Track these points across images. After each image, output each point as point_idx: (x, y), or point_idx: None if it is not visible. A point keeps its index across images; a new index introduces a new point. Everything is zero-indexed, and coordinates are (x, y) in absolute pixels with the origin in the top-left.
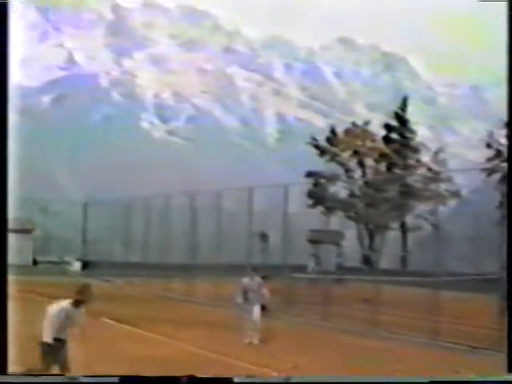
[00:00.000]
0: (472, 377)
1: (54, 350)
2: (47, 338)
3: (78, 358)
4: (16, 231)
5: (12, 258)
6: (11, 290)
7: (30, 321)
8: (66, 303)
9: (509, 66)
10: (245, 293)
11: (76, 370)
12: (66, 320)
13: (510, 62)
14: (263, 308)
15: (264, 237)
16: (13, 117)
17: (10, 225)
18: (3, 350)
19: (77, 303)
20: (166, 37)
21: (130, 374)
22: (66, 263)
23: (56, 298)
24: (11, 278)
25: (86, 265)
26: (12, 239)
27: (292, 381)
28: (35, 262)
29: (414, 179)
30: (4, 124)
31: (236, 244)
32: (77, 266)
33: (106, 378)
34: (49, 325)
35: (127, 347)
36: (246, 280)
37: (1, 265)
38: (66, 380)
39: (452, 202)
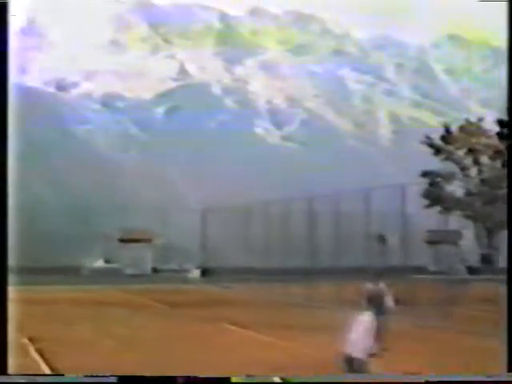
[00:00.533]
0: (471, 376)
1: (359, 366)
2: (359, 352)
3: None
4: (136, 241)
5: (134, 267)
6: (131, 297)
7: (145, 326)
8: (369, 313)
9: (509, 65)
10: (368, 299)
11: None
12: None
13: (510, 61)
14: (385, 315)
15: (382, 239)
16: (132, 130)
17: (130, 235)
18: (3, 350)
19: (377, 312)
20: (275, 42)
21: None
22: (186, 271)
23: (175, 304)
24: (131, 287)
25: (205, 272)
26: (132, 249)
27: (292, 381)
28: (155, 271)
29: None
30: (4, 123)
31: (355, 246)
32: (196, 273)
33: (104, 378)
34: (365, 338)
35: (250, 352)
36: (369, 286)
37: (1, 266)
38: (65, 380)
39: None
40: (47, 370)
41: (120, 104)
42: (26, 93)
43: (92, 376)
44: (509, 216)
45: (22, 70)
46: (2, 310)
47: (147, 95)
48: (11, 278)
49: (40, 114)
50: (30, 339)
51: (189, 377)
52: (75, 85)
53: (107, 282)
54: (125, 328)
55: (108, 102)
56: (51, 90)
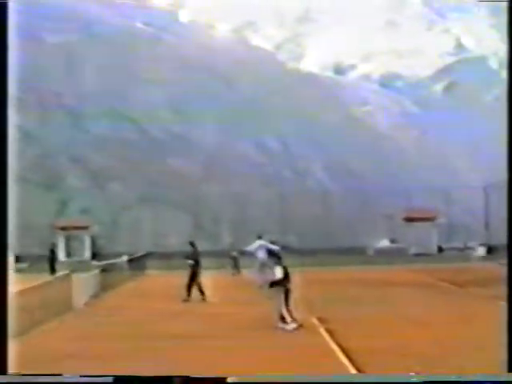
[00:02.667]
0: (471, 376)
1: None
2: None
3: None
4: (420, 220)
5: (418, 246)
6: (417, 276)
7: (435, 306)
8: None
9: (509, 65)
10: None
11: None
12: None
13: (510, 61)
14: None
15: None
16: (411, 109)
17: (414, 214)
18: (3, 349)
19: None
20: None
21: None
22: (470, 249)
23: (462, 283)
24: (417, 267)
25: (490, 249)
26: (417, 228)
27: (292, 381)
28: (440, 249)
29: None
30: (4, 121)
31: None
32: (481, 251)
33: (100, 377)
34: None
35: None
36: None
37: (1, 263)
38: (64, 380)
39: None
40: (337, 350)
41: (398, 83)
42: (304, 78)
43: (87, 376)
44: (509, 215)
45: (300, 57)
46: (2, 309)
47: (425, 73)
48: (299, 259)
49: (319, 99)
50: (320, 319)
51: (185, 377)
52: (353, 67)
53: (393, 261)
54: (414, 308)
55: (386, 81)
56: (329, 73)
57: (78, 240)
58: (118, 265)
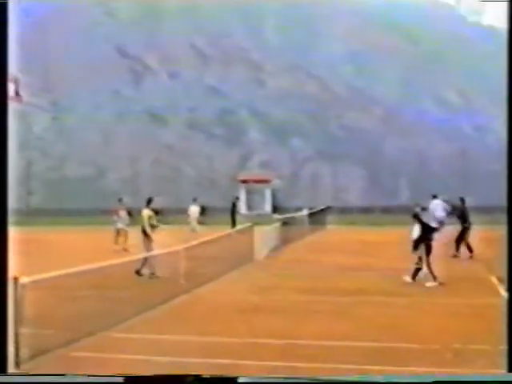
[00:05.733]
0: (471, 376)
1: None
2: None
3: None
4: None
5: None
6: None
7: None
8: None
9: (509, 67)
10: None
11: None
12: None
13: (510, 62)
14: None
15: None
16: None
17: None
18: (3, 349)
19: None
20: None
21: None
22: None
23: None
24: None
25: None
26: None
27: (299, 381)
28: None
29: None
30: (4, 121)
31: None
32: None
33: (110, 377)
34: None
35: None
36: None
37: (1, 260)
38: (67, 380)
39: None
40: None
41: None
42: (485, 32)
43: (95, 375)
44: (509, 212)
45: (480, 11)
46: (1, 308)
47: None
48: (477, 218)
49: (499, 52)
50: (499, 278)
51: (197, 376)
52: None
53: None
54: None
55: None
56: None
57: (258, 193)
58: (298, 218)
